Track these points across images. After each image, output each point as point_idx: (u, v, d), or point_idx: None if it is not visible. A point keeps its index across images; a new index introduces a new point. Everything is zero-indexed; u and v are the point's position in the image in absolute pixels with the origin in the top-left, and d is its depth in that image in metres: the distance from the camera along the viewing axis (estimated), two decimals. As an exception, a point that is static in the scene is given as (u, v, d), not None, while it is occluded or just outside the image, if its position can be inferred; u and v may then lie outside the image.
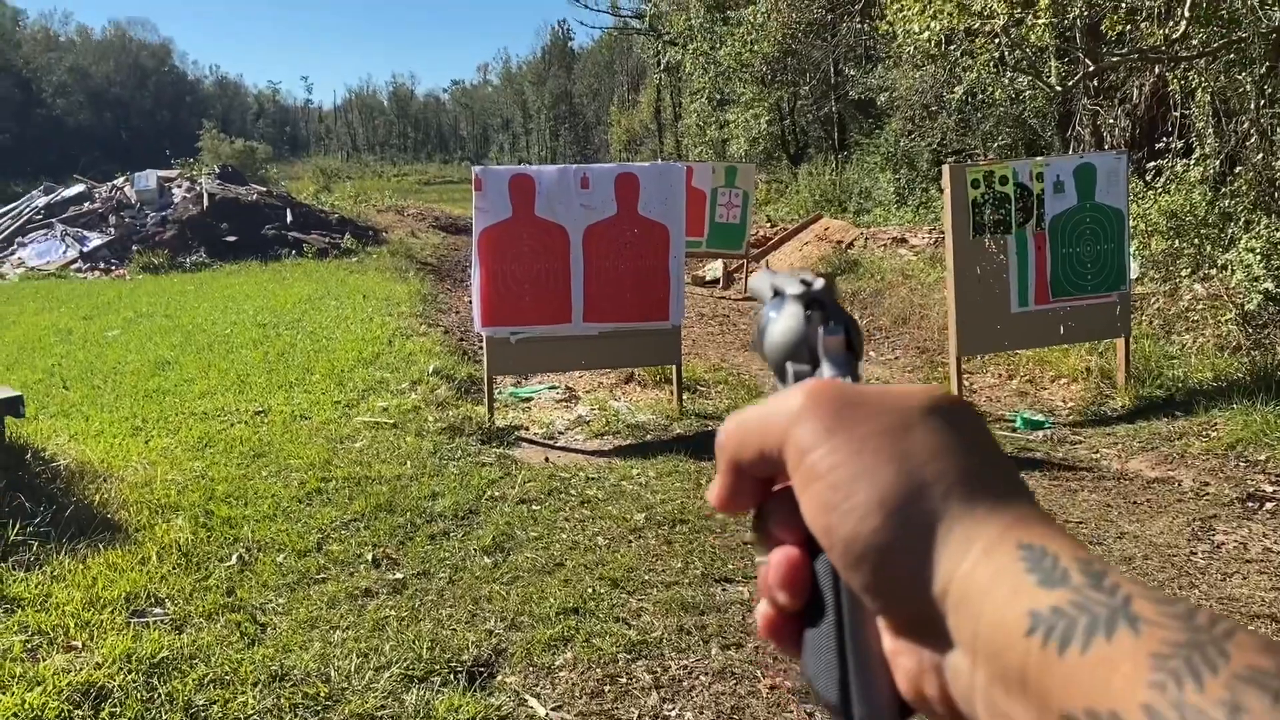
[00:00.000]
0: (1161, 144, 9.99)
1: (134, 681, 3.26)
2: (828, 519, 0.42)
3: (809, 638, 0.47)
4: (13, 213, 19.56)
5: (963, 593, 0.39)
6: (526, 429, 6.52)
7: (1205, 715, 0.32)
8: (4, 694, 3.16)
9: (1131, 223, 7.20)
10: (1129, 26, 8.96)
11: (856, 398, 0.44)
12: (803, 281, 0.53)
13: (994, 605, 0.38)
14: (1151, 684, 0.33)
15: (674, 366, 6.84)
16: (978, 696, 0.39)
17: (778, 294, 0.54)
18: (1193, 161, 9.56)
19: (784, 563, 0.46)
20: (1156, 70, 10.48)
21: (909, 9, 9.46)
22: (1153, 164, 9.66)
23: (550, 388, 7.62)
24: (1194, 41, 8.38)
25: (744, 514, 0.50)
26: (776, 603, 0.47)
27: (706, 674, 3.38)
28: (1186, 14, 7.91)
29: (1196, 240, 8.44)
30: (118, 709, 3.12)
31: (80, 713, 3.09)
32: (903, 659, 0.42)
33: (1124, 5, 8.80)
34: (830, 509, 0.42)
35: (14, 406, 5.10)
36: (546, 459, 5.85)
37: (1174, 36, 8.20)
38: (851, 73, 21.88)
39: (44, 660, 3.41)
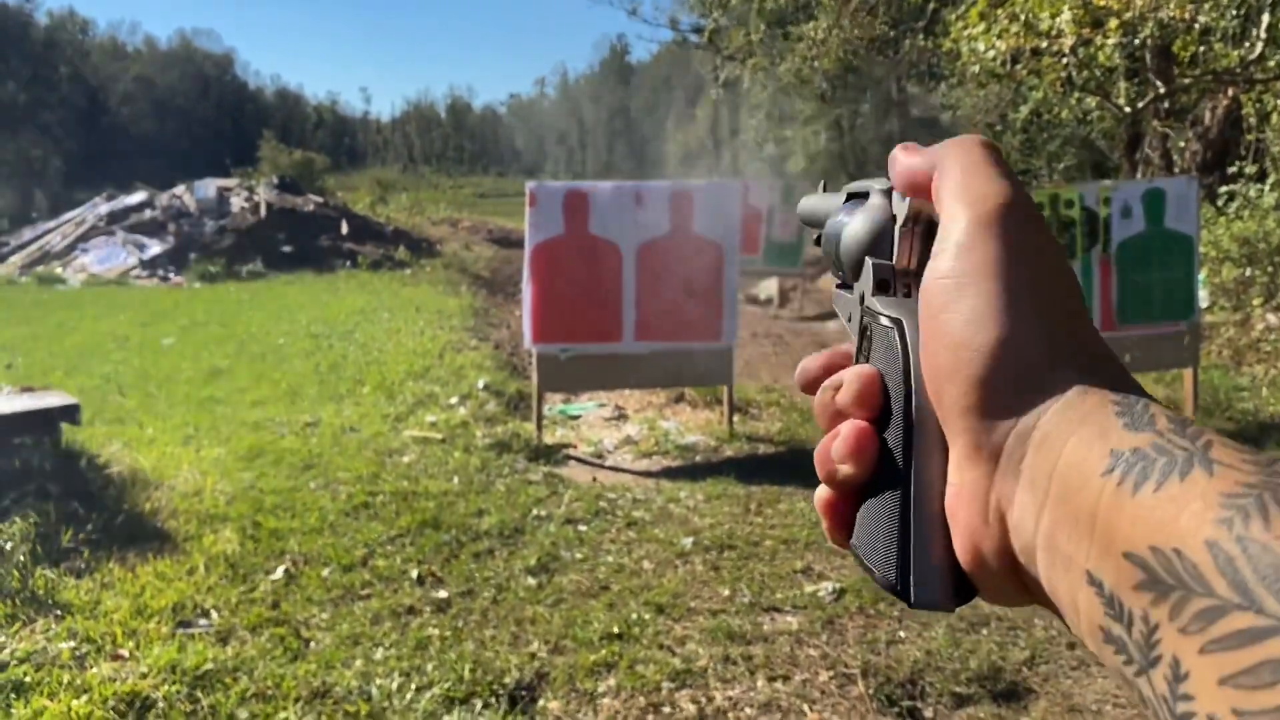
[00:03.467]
0: (1234, 168, 9.72)
1: (178, 693, 3.25)
2: (954, 313, 0.42)
3: (865, 514, 0.47)
4: (76, 219, 20.02)
5: (1050, 429, 0.39)
6: (574, 447, 6.47)
7: (1269, 549, 0.31)
8: (52, 701, 3.17)
9: (1201, 249, 6.99)
10: (1202, 48, 8.74)
11: (1035, 218, 0.44)
12: (887, 179, 0.51)
13: (1077, 443, 0.38)
14: (1219, 520, 0.33)
15: (725, 387, 6.76)
16: (1039, 542, 0.38)
17: (853, 197, 0.54)
18: (1267, 187, 9.28)
19: (855, 432, 0.47)
20: (1230, 92, 10.20)
21: (974, 27, 9.31)
22: (1225, 189, 9.41)
23: (599, 406, 7.57)
24: (1270, 63, 8.15)
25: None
26: (838, 476, 0.47)
27: (752, 706, 3.29)
28: (1263, 35, 7.69)
29: (1270, 268, 8.18)
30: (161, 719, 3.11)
31: (124, 723, 3.08)
32: (965, 509, 0.42)
33: (1197, 26, 8.58)
34: (961, 303, 0.42)
35: (71, 414, 5.17)
36: (594, 478, 5.79)
37: (1249, 58, 7.98)
38: (914, 91, 21.68)
39: (91, 668, 3.42)
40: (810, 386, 0.52)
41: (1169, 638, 0.33)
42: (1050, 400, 0.40)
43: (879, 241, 0.50)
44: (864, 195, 0.53)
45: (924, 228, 0.48)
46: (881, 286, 0.49)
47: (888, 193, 0.50)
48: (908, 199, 0.48)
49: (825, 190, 0.61)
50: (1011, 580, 0.42)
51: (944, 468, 0.44)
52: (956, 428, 0.42)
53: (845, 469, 0.47)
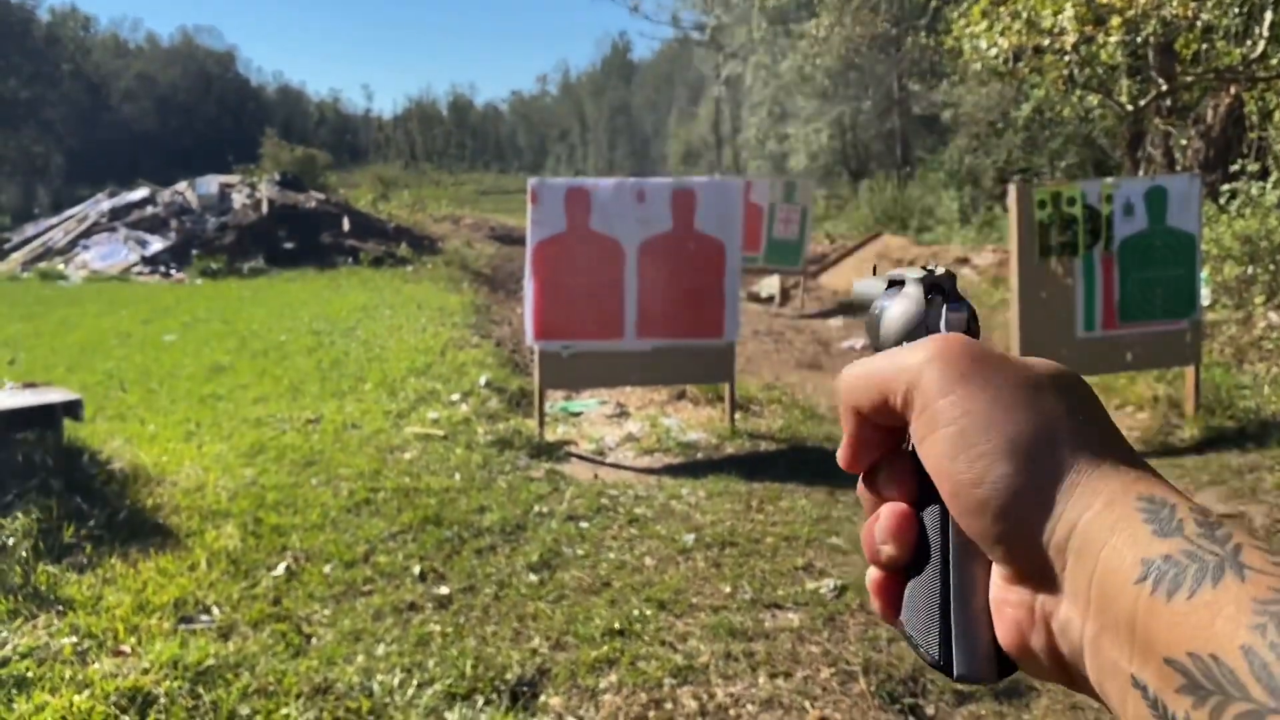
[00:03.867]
0: (1236, 166, 9.70)
1: (180, 689, 3.25)
2: (954, 465, 0.43)
3: (911, 591, 0.49)
4: (78, 215, 20.03)
5: (1084, 540, 0.40)
6: (576, 444, 6.48)
7: None
8: (53, 696, 3.17)
9: (1204, 247, 6.98)
10: (1204, 45, 8.73)
11: (987, 353, 0.46)
12: (924, 268, 0.55)
13: (1110, 553, 0.39)
14: (1253, 627, 0.34)
15: (727, 384, 6.76)
16: (1086, 648, 0.40)
17: (893, 284, 0.57)
18: (1269, 185, 9.26)
19: (894, 515, 0.48)
20: (1232, 90, 10.19)
21: (976, 24, 9.30)
22: (1227, 187, 9.39)
23: (601, 403, 7.57)
24: (1273, 61, 8.14)
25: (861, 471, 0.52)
26: (881, 556, 0.49)
27: (754, 703, 3.29)
28: (1265, 33, 7.68)
29: (1272, 266, 8.17)
30: (163, 716, 3.11)
31: (126, 718, 3.08)
32: (1011, 610, 0.44)
33: (1200, 24, 8.57)
34: (958, 454, 0.43)
35: (73, 410, 5.17)
36: (595, 475, 5.79)
37: (1251, 56, 7.97)
38: (916, 88, 21.66)
39: (92, 663, 3.42)
40: (854, 466, 0.53)
41: None
42: (1077, 507, 0.41)
43: (914, 330, 0.53)
44: (902, 282, 0.56)
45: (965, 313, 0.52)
46: None
47: (921, 282, 0.54)
48: (946, 311, 0.52)
49: (875, 274, 0.64)
50: (1059, 672, 0.43)
51: (984, 555, 0.46)
52: (992, 554, 0.44)
53: (887, 550, 0.49)
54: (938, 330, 0.52)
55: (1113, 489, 0.41)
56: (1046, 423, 0.43)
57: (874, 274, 0.64)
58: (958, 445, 0.43)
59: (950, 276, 0.55)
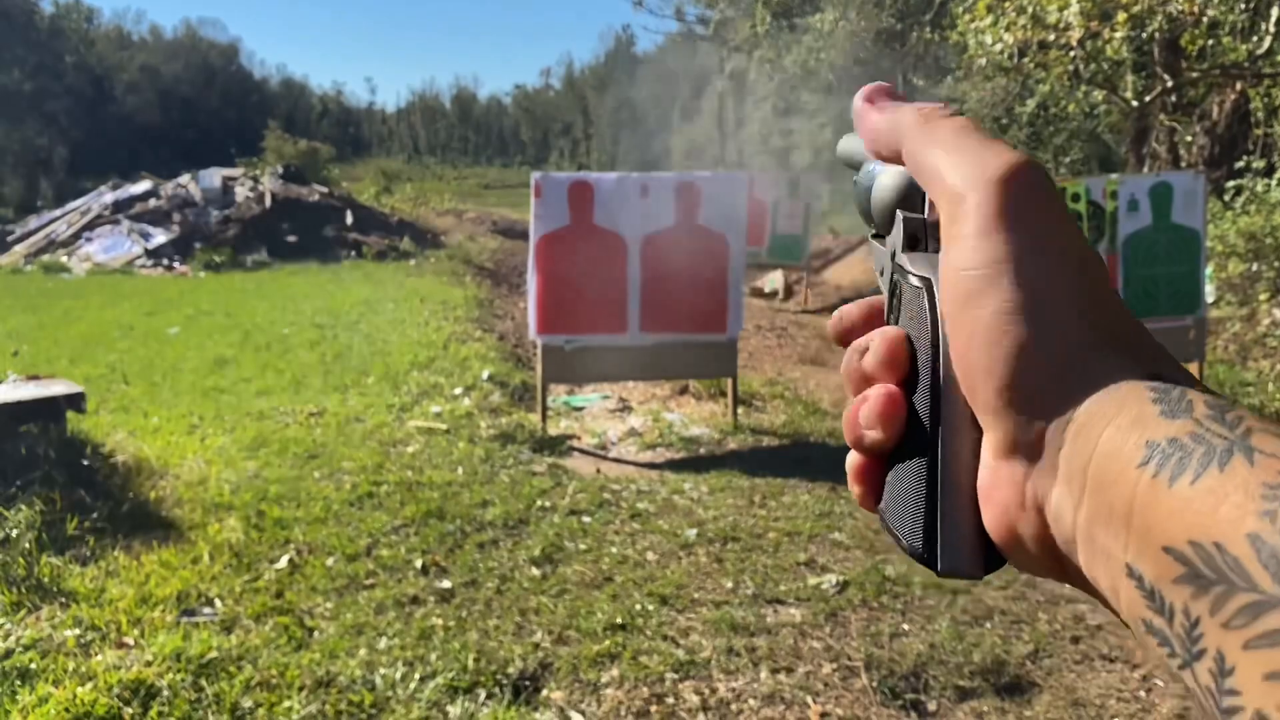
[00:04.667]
0: (1241, 163, 9.67)
1: (182, 681, 3.26)
2: (977, 310, 0.41)
3: (894, 479, 0.46)
4: (81, 208, 20.04)
5: (1085, 421, 0.38)
6: (578, 439, 6.48)
7: None
8: (56, 688, 3.18)
9: (1208, 244, 6.97)
10: (1210, 41, 8.70)
11: (1046, 194, 0.42)
12: None
13: (1112, 434, 0.37)
14: (1261, 513, 0.32)
15: (730, 379, 6.75)
16: (1078, 534, 0.38)
17: None
18: (1275, 182, 9.23)
19: (882, 396, 0.45)
20: (1238, 87, 10.16)
21: (981, 20, 9.28)
22: (1232, 183, 9.36)
23: (603, 397, 7.57)
24: (1278, 57, 8.11)
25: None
26: (866, 440, 0.46)
27: (755, 698, 3.29)
28: (1271, 29, 7.66)
29: (1277, 263, 8.15)
30: (166, 708, 3.11)
31: (129, 710, 3.09)
32: (1000, 493, 0.41)
33: (1206, 20, 8.54)
34: (984, 300, 0.40)
35: (76, 402, 5.18)
36: (598, 470, 5.79)
37: (1257, 52, 7.95)
38: (920, 84, 21.62)
39: (96, 656, 3.43)
40: (843, 338, 0.51)
41: (1212, 632, 0.32)
42: (1087, 391, 0.39)
43: (910, 194, 0.49)
44: None
45: None
46: (912, 242, 0.48)
47: None
48: None
49: None
50: (1048, 562, 0.41)
51: (974, 439, 0.43)
52: (990, 422, 0.41)
53: (872, 434, 0.46)
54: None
55: (1129, 370, 0.39)
56: (1080, 297, 0.40)
57: None
58: (986, 291, 0.40)
59: None
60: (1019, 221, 0.41)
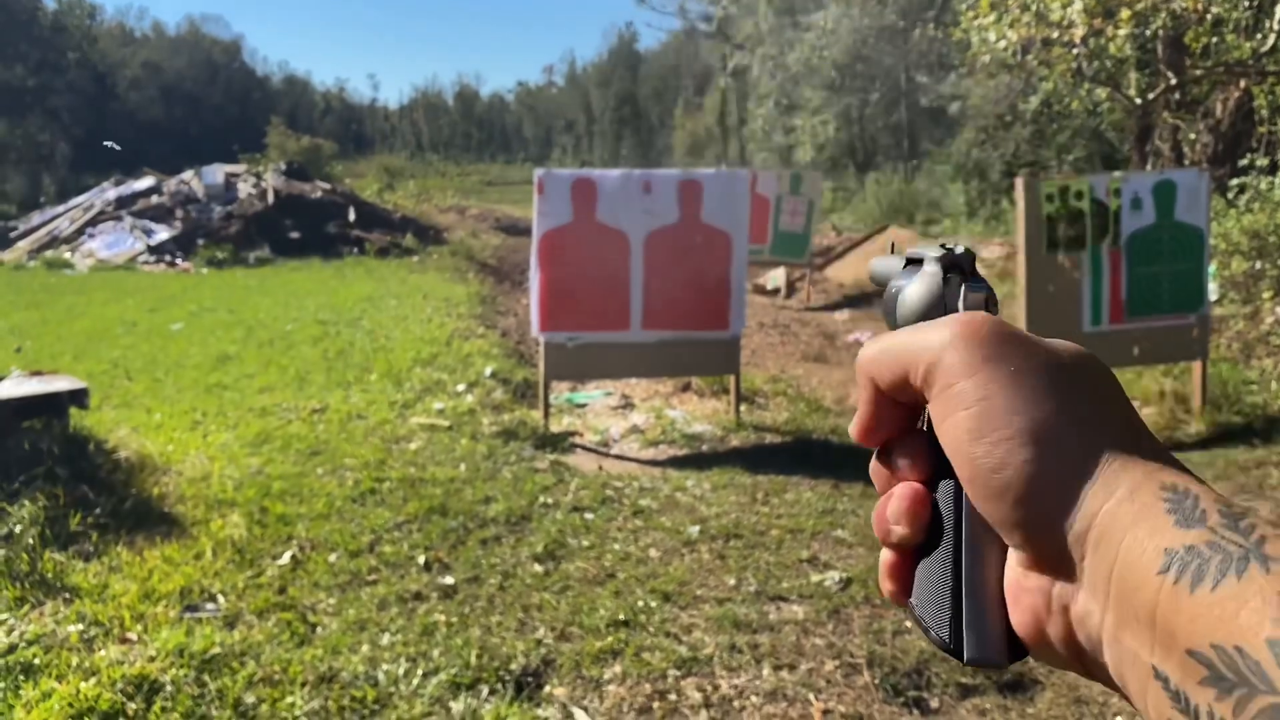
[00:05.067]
0: (1245, 161, 9.66)
1: (185, 676, 3.26)
2: (974, 448, 0.42)
3: (921, 572, 0.48)
4: (84, 204, 20.05)
5: (1104, 530, 0.39)
6: (581, 435, 6.48)
7: None
8: (60, 684, 3.18)
9: (1211, 242, 6.95)
10: (1214, 39, 8.68)
11: (1011, 333, 0.45)
12: (942, 246, 0.54)
13: (1131, 543, 0.38)
14: (1278, 620, 0.33)
15: (732, 377, 6.75)
16: (1105, 638, 0.39)
17: (910, 263, 0.56)
18: (1278, 179, 9.22)
19: (907, 494, 0.47)
20: (1242, 84, 10.14)
21: (985, 17, 9.26)
22: (1235, 181, 9.35)
23: (606, 394, 7.57)
24: (1282, 55, 8.09)
25: (877, 446, 0.51)
26: (893, 537, 0.48)
27: (758, 695, 3.29)
28: (1275, 27, 7.64)
29: (1280, 262, 8.14)
30: (169, 703, 3.12)
31: (133, 705, 3.10)
32: (1028, 597, 0.43)
33: (1209, 17, 8.53)
34: (979, 438, 0.42)
35: (79, 398, 5.18)
36: (600, 467, 5.80)
37: (1261, 50, 7.93)
38: (923, 81, 21.58)
39: (99, 651, 3.43)
40: (867, 440, 0.53)
41: None
42: (1102, 497, 0.40)
43: (934, 306, 0.52)
44: (920, 261, 0.55)
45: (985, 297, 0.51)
46: None
47: (939, 260, 0.53)
48: (964, 290, 0.51)
49: (893, 252, 0.63)
50: (1075, 662, 0.43)
51: (998, 537, 0.45)
52: (1010, 540, 0.43)
53: (899, 530, 0.48)
54: (956, 310, 0.51)
55: (1135, 478, 0.40)
56: (1071, 409, 0.42)
57: (891, 252, 0.63)
58: (979, 428, 0.42)
59: (969, 255, 0.54)
60: (996, 358, 0.43)
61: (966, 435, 0.43)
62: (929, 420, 0.48)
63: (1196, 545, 0.37)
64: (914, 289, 0.53)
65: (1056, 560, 0.41)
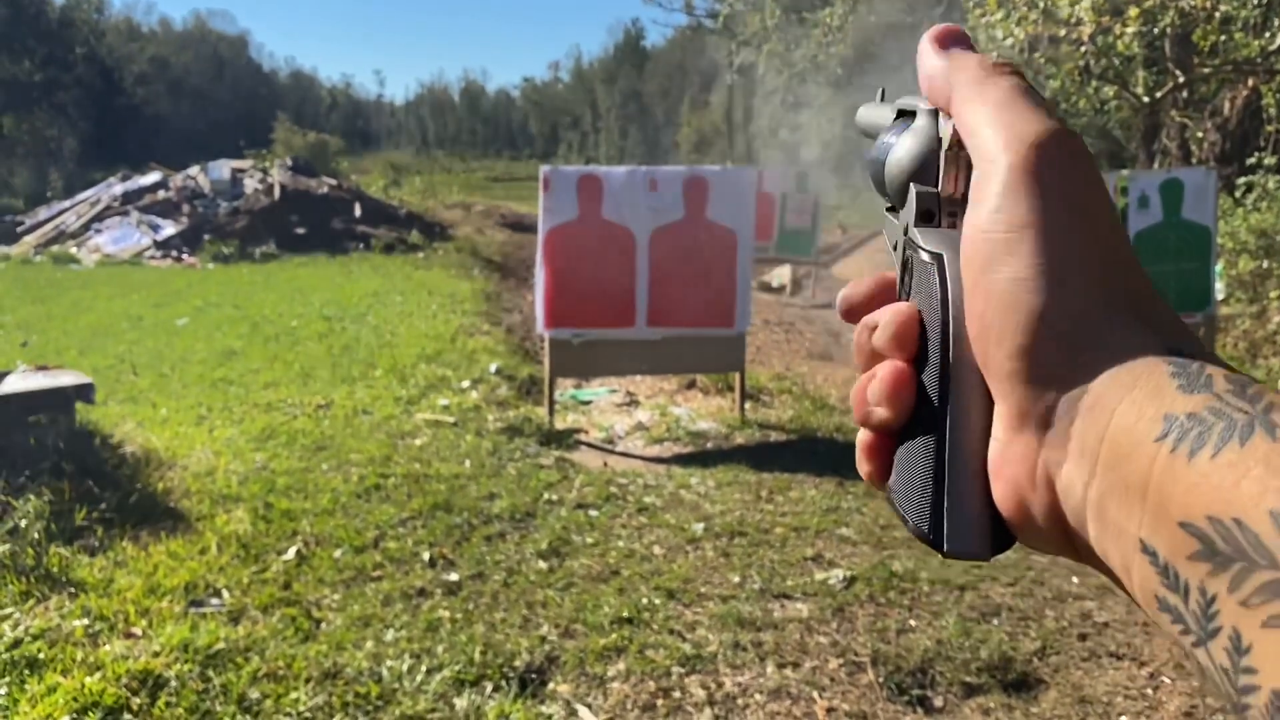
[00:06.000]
0: (1253, 159, 9.62)
1: (190, 671, 3.27)
2: (996, 274, 0.40)
3: (902, 457, 0.45)
4: (91, 199, 20.08)
5: (1101, 392, 0.37)
6: (585, 432, 6.48)
7: None
8: (65, 678, 3.19)
9: (1218, 241, 6.93)
10: (1222, 37, 8.65)
11: (1074, 155, 0.41)
12: None
13: (1128, 407, 0.36)
14: None
15: (737, 374, 6.75)
16: (1089, 509, 0.37)
17: (901, 115, 0.51)
18: (1286, 178, 9.20)
19: (891, 373, 0.45)
20: (1250, 83, 10.10)
21: (992, 14, 9.24)
22: (1243, 180, 9.32)
23: (611, 391, 7.57)
24: (1291, 54, 8.06)
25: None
26: (873, 418, 0.46)
27: (762, 693, 3.29)
28: (1284, 25, 7.61)
29: (1287, 261, 8.12)
30: (173, 698, 3.12)
31: (137, 700, 3.10)
32: (1011, 470, 0.40)
33: (1218, 15, 8.49)
34: (1005, 264, 0.40)
35: (85, 393, 5.19)
36: (605, 464, 5.80)
37: (1270, 48, 7.90)
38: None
39: (104, 646, 3.44)
40: (851, 315, 0.50)
41: (1229, 610, 0.32)
42: (1103, 364, 0.38)
43: (924, 167, 0.47)
44: (912, 114, 0.50)
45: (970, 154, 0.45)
46: (925, 217, 0.47)
47: (934, 113, 0.48)
48: (952, 121, 0.45)
49: (883, 98, 0.57)
50: (1059, 539, 0.40)
51: (984, 416, 0.42)
52: (1002, 391, 0.41)
53: (880, 412, 0.45)
54: (954, 168, 0.46)
55: (1149, 343, 0.38)
56: (1113, 262, 0.39)
57: (880, 99, 0.56)
58: (1013, 255, 0.39)
59: None
60: (1047, 187, 0.40)
61: (991, 258, 0.40)
62: (914, 288, 0.46)
63: (1198, 412, 0.34)
64: (904, 146, 0.49)
65: (1045, 419, 0.39)
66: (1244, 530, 0.31)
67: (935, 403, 0.43)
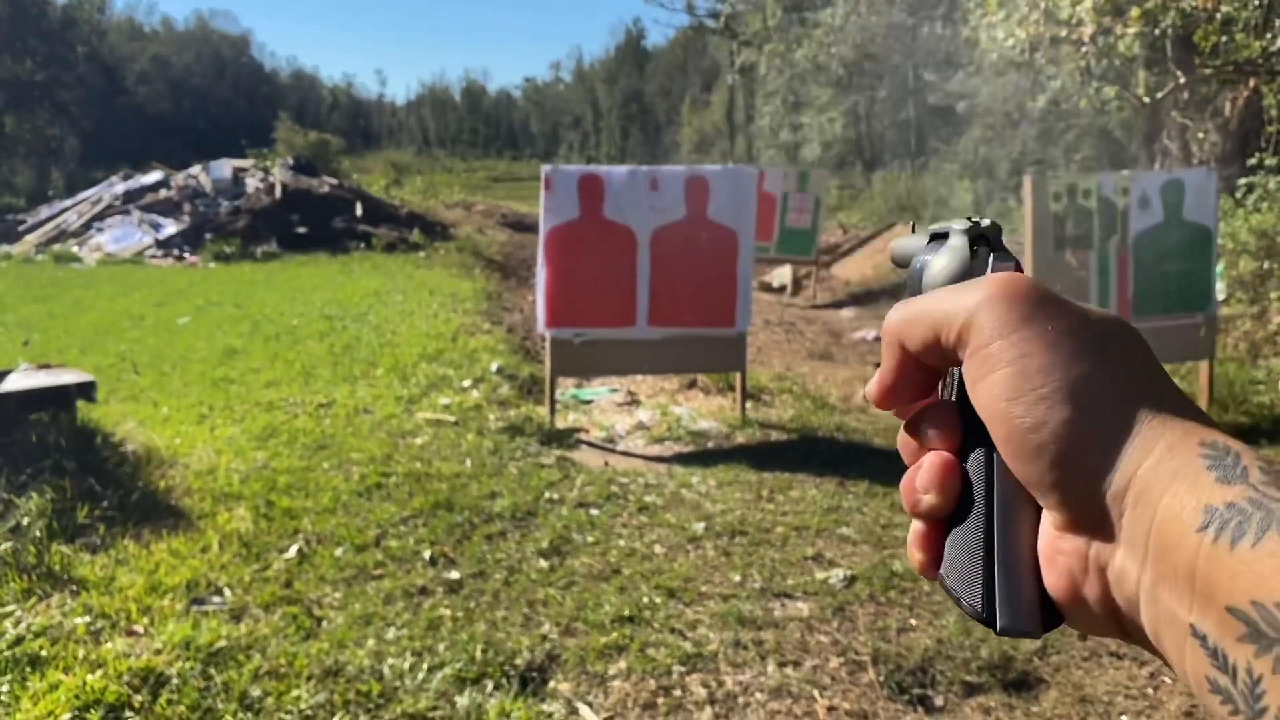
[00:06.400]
0: (1254, 160, 9.62)
1: (191, 669, 3.27)
2: (1011, 407, 0.42)
3: (952, 542, 0.47)
4: (92, 198, 20.09)
5: (1143, 488, 0.39)
6: (586, 432, 6.48)
7: None
8: (66, 675, 3.19)
9: (1219, 242, 6.93)
10: (1223, 38, 8.64)
11: (1048, 294, 0.44)
12: (968, 219, 0.53)
13: (1171, 500, 0.38)
14: None
15: (738, 374, 6.75)
16: (1142, 597, 0.39)
17: (935, 239, 0.55)
18: (1287, 179, 9.18)
19: (937, 463, 0.47)
20: (1251, 84, 10.10)
21: (993, 15, 9.24)
22: (1244, 181, 9.31)
23: (612, 391, 7.58)
24: (1292, 54, 8.05)
25: (898, 410, 0.51)
26: (922, 506, 0.47)
27: (762, 691, 3.30)
28: (1285, 26, 7.60)
29: (1288, 261, 8.11)
30: (175, 696, 3.13)
31: (139, 698, 3.10)
32: (1063, 559, 0.42)
33: (1219, 16, 8.49)
34: (1016, 397, 0.42)
35: (87, 391, 5.20)
36: (606, 463, 5.80)
37: (1271, 49, 7.90)
38: (931, 78, 21.52)
39: (105, 643, 3.44)
40: (883, 403, 0.52)
41: (1274, 689, 0.33)
42: (1140, 455, 0.40)
43: (961, 276, 0.51)
44: (945, 235, 0.54)
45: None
46: None
47: (966, 233, 0.52)
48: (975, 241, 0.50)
49: (914, 231, 0.61)
50: (1111, 623, 0.42)
51: (1030, 501, 0.44)
52: (1046, 501, 0.43)
53: (928, 499, 0.47)
54: None
55: (1174, 435, 0.40)
56: (1108, 368, 0.42)
57: (913, 231, 0.61)
58: (1017, 387, 0.42)
59: (996, 228, 0.53)
60: (1033, 317, 0.43)
61: (1003, 394, 0.42)
62: (958, 385, 0.48)
63: (1237, 502, 0.36)
64: (940, 262, 0.52)
65: (1094, 520, 0.41)
66: None
67: (982, 489, 0.46)
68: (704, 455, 6.00)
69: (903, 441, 0.50)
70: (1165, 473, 0.39)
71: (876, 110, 25.86)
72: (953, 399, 0.49)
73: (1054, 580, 0.43)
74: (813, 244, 13.08)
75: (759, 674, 3.39)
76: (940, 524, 0.48)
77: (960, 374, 0.48)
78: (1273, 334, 7.76)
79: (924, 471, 0.47)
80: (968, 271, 0.50)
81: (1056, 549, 0.43)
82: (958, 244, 0.52)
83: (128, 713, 3.04)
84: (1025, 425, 0.41)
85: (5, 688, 3.14)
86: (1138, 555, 0.39)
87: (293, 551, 4.31)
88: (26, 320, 10.63)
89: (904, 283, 0.58)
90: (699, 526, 4.71)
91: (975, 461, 0.46)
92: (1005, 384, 0.42)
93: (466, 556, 4.33)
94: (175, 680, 3.20)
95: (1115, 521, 0.40)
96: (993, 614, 0.45)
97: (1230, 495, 0.37)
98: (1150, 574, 0.38)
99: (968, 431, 0.47)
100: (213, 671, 3.27)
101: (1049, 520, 0.43)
